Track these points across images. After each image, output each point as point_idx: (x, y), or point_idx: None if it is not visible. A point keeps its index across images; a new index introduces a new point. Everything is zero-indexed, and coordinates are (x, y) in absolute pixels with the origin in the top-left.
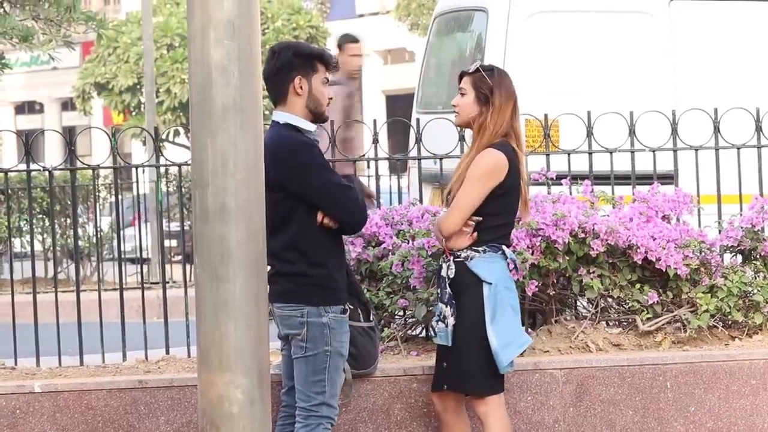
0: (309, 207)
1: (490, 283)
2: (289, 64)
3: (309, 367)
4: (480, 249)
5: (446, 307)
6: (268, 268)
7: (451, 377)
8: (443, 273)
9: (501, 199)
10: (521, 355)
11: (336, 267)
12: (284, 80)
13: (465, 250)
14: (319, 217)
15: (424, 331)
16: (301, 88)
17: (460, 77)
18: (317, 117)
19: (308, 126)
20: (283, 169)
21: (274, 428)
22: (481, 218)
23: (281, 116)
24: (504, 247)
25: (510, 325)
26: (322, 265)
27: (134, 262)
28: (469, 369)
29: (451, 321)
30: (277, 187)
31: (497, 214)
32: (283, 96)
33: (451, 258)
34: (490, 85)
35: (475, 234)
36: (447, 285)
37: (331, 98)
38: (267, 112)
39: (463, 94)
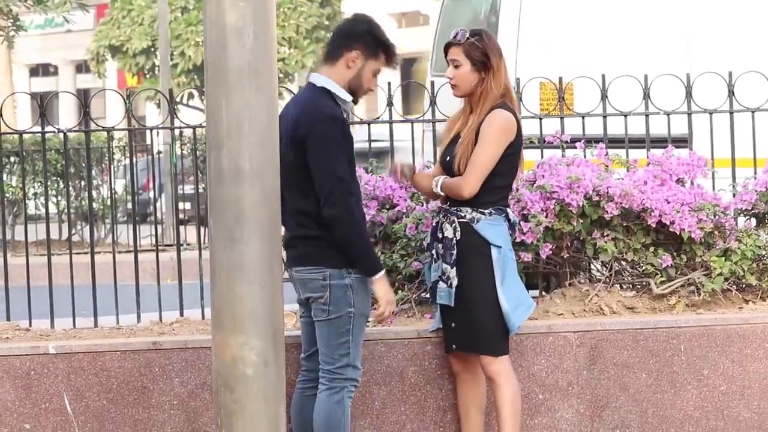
0: None
1: (499, 247)
2: (359, 35)
3: (333, 329)
4: (486, 211)
5: (451, 268)
6: (283, 230)
7: (461, 337)
8: (448, 234)
9: (509, 159)
10: (533, 318)
11: None
12: (346, 45)
13: (471, 211)
14: None
15: None
16: (353, 62)
17: (446, 48)
18: (351, 96)
19: (344, 95)
20: (305, 133)
21: (294, 391)
22: None
23: (320, 79)
24: (508, 210)
25: (517, 288)
26: None
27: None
28: (481, 330)
29: (454, 282)
30: (301, 150)
31: (504, 175)
32: (335, 58)
33: (456, 219)
34: (484, 50)
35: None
36: (454, 246)
37: (371, 89)
38: (281, 75)
39: (457, 66)
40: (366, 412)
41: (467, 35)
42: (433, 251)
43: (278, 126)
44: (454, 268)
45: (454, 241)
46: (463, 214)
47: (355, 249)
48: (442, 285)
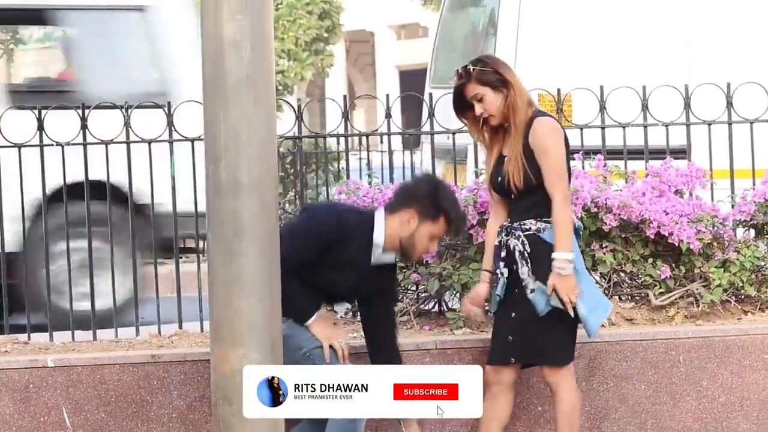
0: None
1: (571, 252)
2: (418, 197)
3: None
4: (549, 219)
5: (535, 279)
6: None
7: (522, 349)
8: (518, 248)
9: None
10: None
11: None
12: (403, 202)
13: (535, 223)
14: None
15: (436, 305)
16: (407, 222)
17: (460, 93)
18: (403, 254)
19: (377, 246)
20: (312, 210)
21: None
22: None
23: (380, 217)
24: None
25: (592, 290)
26: None
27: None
28: (548, 339)
29: (537, 287)
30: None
31: None
32: (393, 211)
33: (521, 233)
34: (493, 69)
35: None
36: (528, 259)
37: (428, 252)
38: (280, 87)
39: (480, 99)
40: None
41: (470, 67)
42: (497, 271)
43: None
44: (533, 278)
45: (526, 254)
46: (527, 227)
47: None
48: (535, 296)
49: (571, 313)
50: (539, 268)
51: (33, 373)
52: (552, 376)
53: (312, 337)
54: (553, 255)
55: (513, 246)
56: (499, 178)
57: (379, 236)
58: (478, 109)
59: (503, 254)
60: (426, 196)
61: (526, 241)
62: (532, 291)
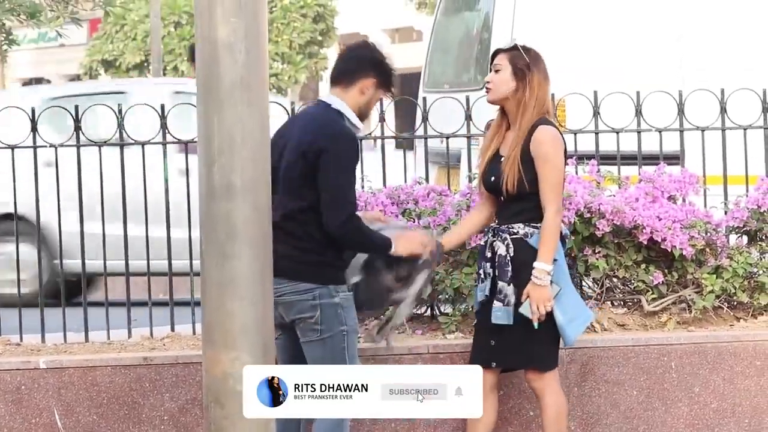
0: None
1: (555, 260)
2: (375, 65)
3: (327, 349)
4: (538, 225)
5: (508, 285)
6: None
7: (503, 354)
8: (501, 252)
9: None
10: None
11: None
12: (361, 71)
13: (523, 227)
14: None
15: (429, 309)
16: (367, 88)
17: (494, 55)
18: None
19: (357, 122)
20: (322, 148)
21: None
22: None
23: (336, 102)
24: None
25: (574, 300)
26: (332, 246)
27: None
28: (531, 345)
29: (512, 300)
30: (312, 163)
31: None
32: (349, 83)
33: (508, 236)
34: (527, 61)
35: None
36: (509, 263)
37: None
38: (273, 90)
39: (497, 71)
40: (359, 429)
41: (517, 44)
42: (481, 271)
43: (282, 138)
44: (511, 286)
45: (508, 258)
46: (515, 231)
47: (367, 249)
48: (497, 304)
49: (535, 325)
50: (522, 273)
51: (25, 374)
52: (536, 381)
53: (356, 323)
54: (534, 264)
55: (497, 249)
56: (492, 178)
57: (354, 119)
58: (489, 76)
59: (489, 255)
60: (381, 62)
61: (511, 245)
62: (503, 300)
